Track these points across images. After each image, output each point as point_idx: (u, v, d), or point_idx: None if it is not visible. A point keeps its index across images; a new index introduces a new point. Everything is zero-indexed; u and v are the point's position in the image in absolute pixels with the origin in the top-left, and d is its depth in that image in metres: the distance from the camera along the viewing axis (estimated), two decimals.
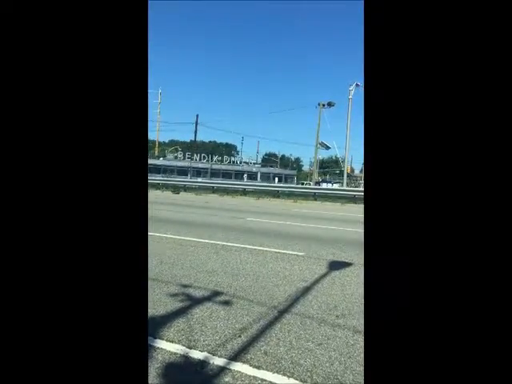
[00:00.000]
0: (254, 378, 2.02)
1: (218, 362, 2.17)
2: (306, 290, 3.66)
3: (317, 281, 4.04)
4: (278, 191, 22.74)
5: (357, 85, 24.96)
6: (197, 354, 2.25)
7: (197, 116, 37.11)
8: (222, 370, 2.09)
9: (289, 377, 2.04)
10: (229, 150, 69.53)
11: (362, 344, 2.47)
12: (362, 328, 2.74)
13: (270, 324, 2.76)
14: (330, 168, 64.93)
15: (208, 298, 3.27)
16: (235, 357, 2.23)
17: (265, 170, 46.23)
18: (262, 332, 2.61)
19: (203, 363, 2.15)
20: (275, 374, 2.06)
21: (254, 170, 44.13)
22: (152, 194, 19.04)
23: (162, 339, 2.41)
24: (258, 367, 2.12)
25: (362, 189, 26.58)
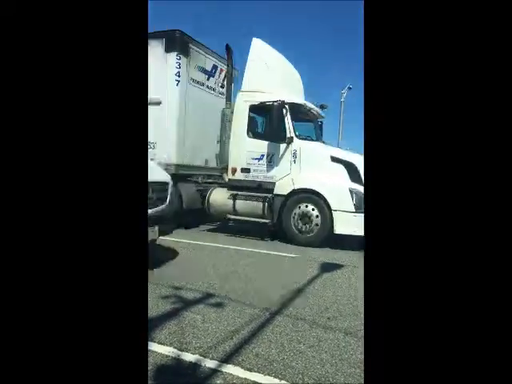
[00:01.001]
0: (246, 380, 2.02)
1: (210, 364, 2.17)
2: (298, 292, 3.67)
3: (308, 283, 4.05)
4: None
5: (349, 88, 25.10)
6: (188, 357, 2.24)
7: None
8: (214, 372, 2.09)
9: (280, 379, 2.05)
10: None
11: (353, 346, 2.49)
12: (353, 330, 2.76)
13: (262, 326, 2.77)
14: None
15: (200, 300, 3.26)
16: (227, 359, 2.23)
17: None
18: (254, 334, 2.61)
19: (195, 365, 2.15)
20: (267, 376, 2.06)
21: None
22: None
23: (154, 341, 2.40)
24: (250, 369, 2.12)
25: None
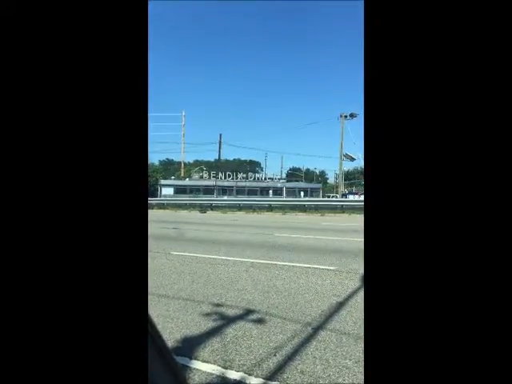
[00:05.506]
0: None
1: (255, 382, 2.14)
2: (340, 306, 3.58)
3: (350, 296, 3.95)
4: (304, 205, 22.58)
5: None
6: (233, 375, 2.23)
7: (220, 135, 37.75)
8: None
9: None
10: (253, 166, 69.90)
11: None
12: None
13: (305, 342, 2.71)
14: (355, 179, 64.08)
15: (240, 317, 3.25)
16: (272, 376, 2.20)
17: (290, 184, 46.03)
18: (297, 350, 2.56)
19: (240, 383, 2.13)
20: None
21: (279, 185, 44.04)
22: (180, 214, 19.31)
23: (198, 360, 2.41)
24: None
25: None
